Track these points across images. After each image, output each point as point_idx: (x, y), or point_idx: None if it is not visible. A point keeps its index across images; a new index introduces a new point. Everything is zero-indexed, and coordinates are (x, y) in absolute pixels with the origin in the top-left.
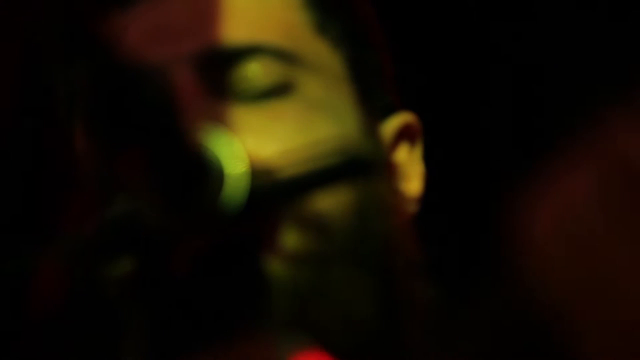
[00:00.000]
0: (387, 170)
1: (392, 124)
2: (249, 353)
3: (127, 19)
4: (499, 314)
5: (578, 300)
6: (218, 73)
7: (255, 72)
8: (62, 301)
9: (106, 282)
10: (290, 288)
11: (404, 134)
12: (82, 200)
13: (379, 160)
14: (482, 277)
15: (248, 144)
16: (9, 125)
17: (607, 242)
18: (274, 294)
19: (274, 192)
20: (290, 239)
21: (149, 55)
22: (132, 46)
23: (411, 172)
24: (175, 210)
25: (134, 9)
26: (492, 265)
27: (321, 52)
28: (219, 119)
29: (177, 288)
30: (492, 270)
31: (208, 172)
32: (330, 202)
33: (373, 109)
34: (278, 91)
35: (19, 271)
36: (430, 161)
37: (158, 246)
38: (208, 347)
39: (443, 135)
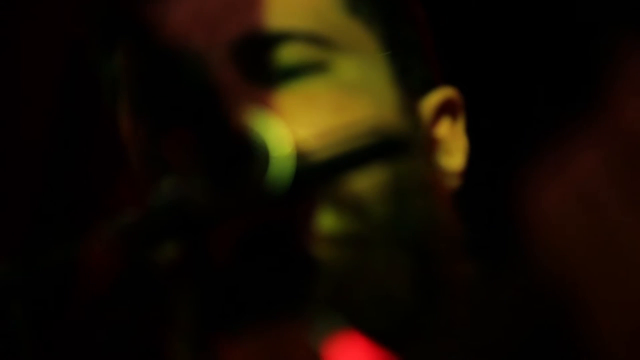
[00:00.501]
0: (428, 146)
1: (432, 100)
2: (284, 336)
3: (166, 5)
4: (518, 294)
5: (591, 278)
6: (252, 59)
7: (288, 55)
8: (112, 283)
9: (154, 266)
10: (328, 270)
11: (445, 109)
12: (131, 182)
13: (416, 138)
14: (501, 256)
15: None
16: (55, 114)
17: (618, 219)
18: (312, 276)
19: (311, 174)
20: (328, 221)
21: (187, 41)
22: (171, 32)
23: (453, 146)
24: (221, 190)
25: None
26: (509, 246)
27: (354, 32)
28: (255, 104)
29: (220, 272)
30: (509, 251)
31: (254, 153)
32: (366, 182)
33: (411, 85)
34: (311, 72)
35: (68, 256)
36: None
37: (203, 230)
38: (249, 329)
39: None
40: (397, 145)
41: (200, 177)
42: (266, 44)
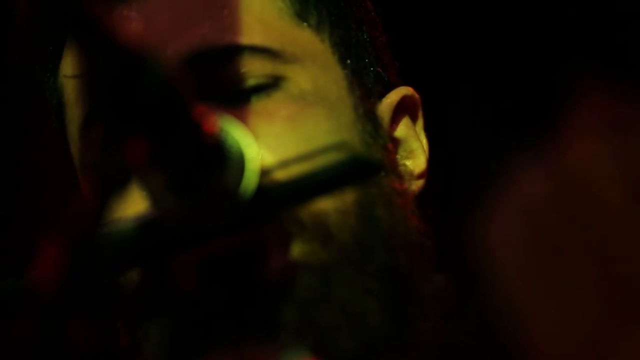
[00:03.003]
0: (389, 149)
1: (389, 100)
2: None
3: (129, 11)
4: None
5: (535, 307)
6: (206, 74)
7: (238, 70)
8: (61, 292)
9: (117, 287)
10: (296, 296)
11: (403, 108)
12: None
13: (377, 145)
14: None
15: None
16: None
17: (566, 247)
18: (280, 303)
19: (279, 195)
20: (295, 246)
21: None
22: (128, 38)
23: (414, 146)
24: (195, 196)
25: (133, 3)
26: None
27: (304, 40)
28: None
29: (185, 298)
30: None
31: (228, 158)
32: (331, 204)
33: (367, 87)
34: (266, 88)
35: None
36: None
37: (168, 256)
38: (217, 356)
39: None
40: (372, 168)
41: (170, 184)
42: (216, 59)
